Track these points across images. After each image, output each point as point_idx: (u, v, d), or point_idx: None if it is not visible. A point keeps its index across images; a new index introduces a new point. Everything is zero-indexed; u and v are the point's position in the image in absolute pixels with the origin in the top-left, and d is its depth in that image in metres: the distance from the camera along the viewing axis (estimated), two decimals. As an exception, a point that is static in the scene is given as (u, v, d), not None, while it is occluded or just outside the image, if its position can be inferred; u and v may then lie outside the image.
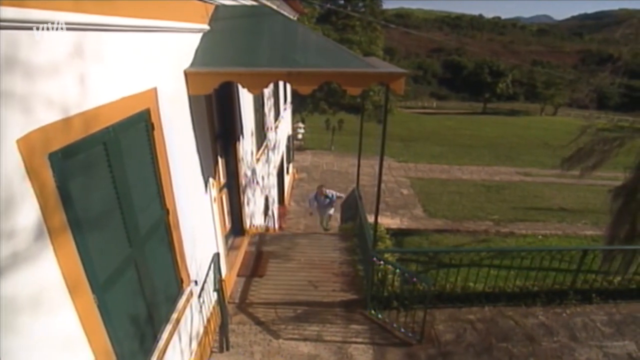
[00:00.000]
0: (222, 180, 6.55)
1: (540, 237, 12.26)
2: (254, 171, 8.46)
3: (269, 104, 10.65)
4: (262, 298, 5.98)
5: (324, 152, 24.00)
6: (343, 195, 10.91)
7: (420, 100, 72.15)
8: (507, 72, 67.86)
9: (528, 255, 6.06)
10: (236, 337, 5.20)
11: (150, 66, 3.27)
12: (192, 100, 4.28)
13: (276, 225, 12.43)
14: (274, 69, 4.07)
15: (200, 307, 4.65)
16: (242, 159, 7.28)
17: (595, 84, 11.48)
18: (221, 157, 6.48)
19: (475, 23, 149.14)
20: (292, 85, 4.20)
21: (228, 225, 7.00)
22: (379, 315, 5.51)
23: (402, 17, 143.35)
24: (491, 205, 15.37)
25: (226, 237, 6.79)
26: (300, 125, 24.73)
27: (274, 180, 11.72)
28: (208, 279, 4.86)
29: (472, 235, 12.22)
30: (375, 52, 23.92)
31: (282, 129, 13.99)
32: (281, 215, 12.98)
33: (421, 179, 19.08)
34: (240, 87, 6.95)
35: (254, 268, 6.71)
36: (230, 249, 6.92)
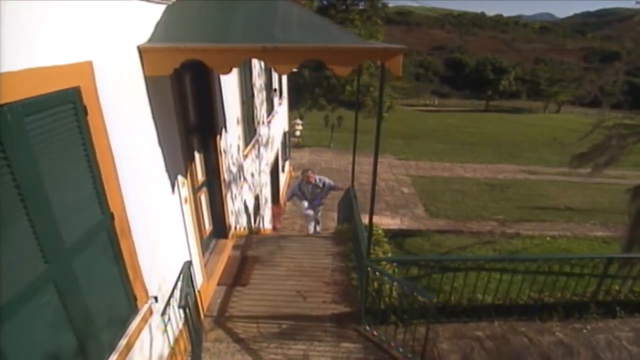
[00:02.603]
0: (201, 178, 5.89)
1: (548, 238, 11.55)
2: (240, 168, 7.79)
3: (260, 97, 9.97)
4: (244, 311, 5.31)
5: (322, 149, 23.33)
6: (338, 184, 9.01)
7: (422, 98, 71.62)
8: (509, 68, 67.11)
9: (544, 265, 5.36)
10: (210, 357, 4.53)
11: (83, 34, 2.59)
12: (151, 83, 3.60)
13: (270, 226, 11.77)
14: (245, 44, 3.40)
15: (165, 326, 3.99)
16: (225, 154, 6.61)
17: (606, 79, 10.77)
18: (199, 152, 5.83)
19: (478, 21, 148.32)
20: (268, 64, 3.54)
21: (208, 227, 6.34)
22: (375, 332, 4.83)
23: (404, 14, 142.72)
24: (495, 204, 14.65)
25: (205, 242, 6.13)
26: (298, 121, 24.05)
27: (266, 178, 11.05)
28: (177, 292, 4.21)
29: (476, 237, 11.51)
30: (376, 46, 23.23)
31: (277, 124, 13.30)
32: (276, 215, 12.29)
33: (422, 177, 18.37)
34: (221, 75, 6.35)
35: (236, 276, 6.04)
36: (212, 253, 6.27)
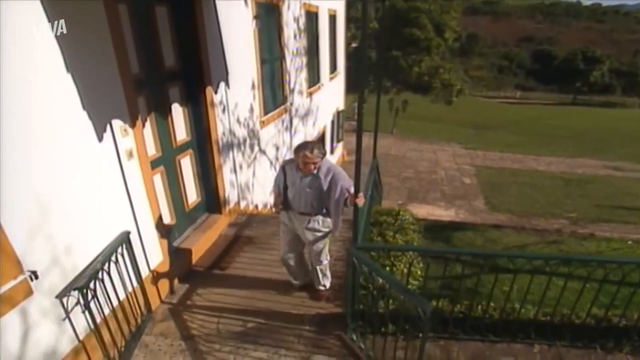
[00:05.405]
0: (182, 136, 4.92)
1: (630, 242, 9.64)
2: (254, 136, 6.77)
3: (296, 62, 8.87)
4: (210, 300, 4.28)
5: (383, 134, 21.82)
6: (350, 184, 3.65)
7: (503, 91, 67.81)
8: (603, 58, 61.15)
9: (617, 271, 3.74)
10: (144, 356, 3.54)
11: None
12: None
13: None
14: None
15: (67, 313, 2.99)
16: (225, 114, 5.61)
17: None
18: (182, 105, 4.85)
19: (572, 10, 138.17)
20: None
21: (196, 198, 5.37)
22: (362, 344, 3.62)
23: (492, 3, 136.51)
24: (569, 201, 12.70)
25: (188, 214, 5.17)
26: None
27: (301, 155, 9.96)
28: (112, 267, 3.23)
29: (540, 235, 9.79)
30: (448, 22, 21.39)
31: (325, 99, 12.15)
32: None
33: (488, 167, 16.61)
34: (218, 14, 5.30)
35: (219, 257, 5.03)
36: (196, 229, 5.29)
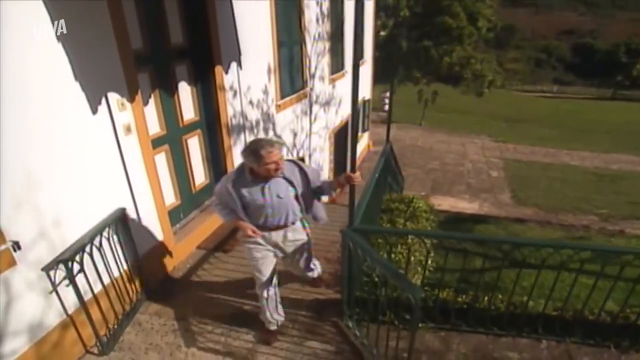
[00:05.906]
0: (189, 116, 4.84)
1: (662, 241, 9.17)
2: (268, 120, 6.67)
3: (317, 47, 8.71)
4: (209, 282, 4.22)
5: (411, 126, 21.55)
6: (319, 173, 3.46)
7: (540, 85, 65.76)
8: (648, 51, 58.50)
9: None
10: (136, 334, 3.50)
11: None
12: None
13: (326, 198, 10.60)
14: None
15: (54, 286, 2.95)
16: (236, 95, 5.52)
17: None
18: (190, 84, 4.77)
19: (618, 1, 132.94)
20: None
21: (204, 180, 5.30)
22: (358, 332, 3.48)
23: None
24: (601, 197, 12.15)
25: (195, 196, 5.11)
26: (388, 95, 22.43)
27: (322, 143, 9.83)
28: (105, 242, 3.19)
29: (566, 230, 9.39)
30: (482, 11, 20.71)
31: (349, 87, 11.91)
32: (334, 187, 11.01)
33: (518, 161, 16.09)
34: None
35: (223, 240, 4.96)
36: (202, 211, 5.23)
